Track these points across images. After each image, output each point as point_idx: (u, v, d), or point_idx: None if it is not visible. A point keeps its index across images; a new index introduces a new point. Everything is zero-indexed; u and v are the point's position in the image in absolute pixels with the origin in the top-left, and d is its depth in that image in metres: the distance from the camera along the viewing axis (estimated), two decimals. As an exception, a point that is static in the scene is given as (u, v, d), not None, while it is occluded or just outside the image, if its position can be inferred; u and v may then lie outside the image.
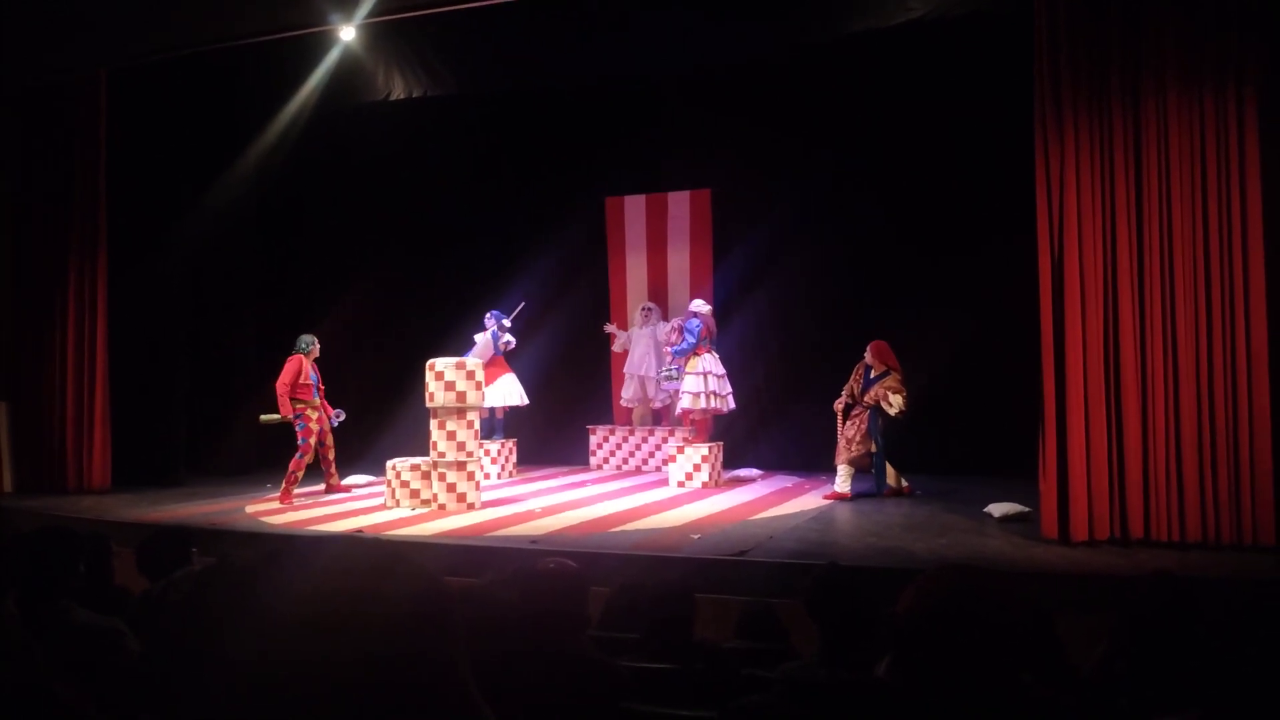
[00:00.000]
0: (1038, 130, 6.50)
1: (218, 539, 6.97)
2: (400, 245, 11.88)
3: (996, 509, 7.26)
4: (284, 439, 9.22)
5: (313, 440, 8.90)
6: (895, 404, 8.17)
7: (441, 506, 8.02)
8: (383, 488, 8.67)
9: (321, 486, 9.34)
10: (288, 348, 9.06)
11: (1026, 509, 7.04)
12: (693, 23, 8.54)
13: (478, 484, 8.23)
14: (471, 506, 8.06)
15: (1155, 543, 6.14)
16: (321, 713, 0.78)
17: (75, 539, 3.31)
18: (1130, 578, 5.00)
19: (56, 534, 3.27)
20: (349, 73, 9.61)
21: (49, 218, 9.85)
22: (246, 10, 8.73)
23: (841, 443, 8.51)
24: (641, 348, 11.02)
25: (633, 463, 10.97)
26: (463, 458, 8.09)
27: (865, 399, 8.41)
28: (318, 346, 9.17)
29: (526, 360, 10.94)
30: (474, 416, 8.30)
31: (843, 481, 8.41)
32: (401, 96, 9.60)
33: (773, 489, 9.11)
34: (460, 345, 10.30)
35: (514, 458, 10.74)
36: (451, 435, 8.09)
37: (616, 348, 11.31)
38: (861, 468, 8.51)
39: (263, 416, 9.05)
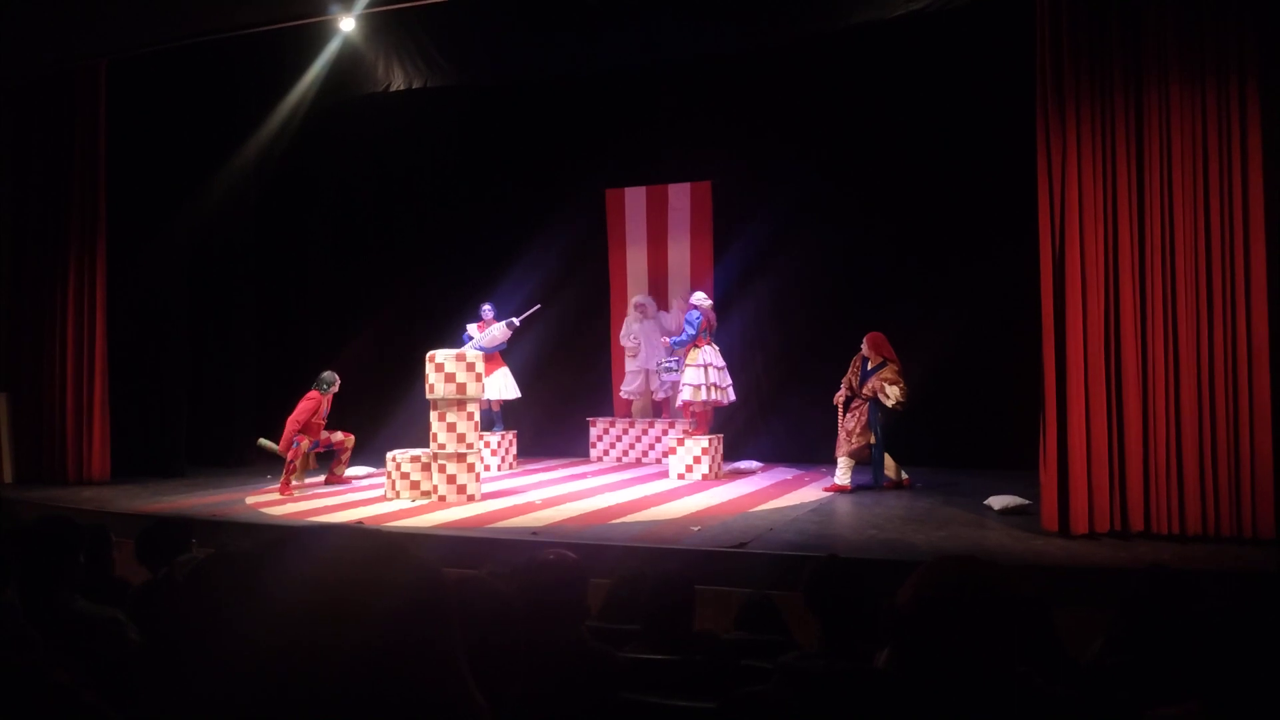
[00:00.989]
0: (1039, 122, 6.49)
1: (217, 530, 6.98)
2: (400, 236, 11.88)
3: (996, 501, 7.26)
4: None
5: (304, 446, 8.85)
6: (893, 395, 8.16)
7: (441, 498, 8.03)
8: (383, 479, 8.68)
9: (322, 478, 9.37)
10: (287, 339, 9.03)
11: (1026, 501, 7.04)
12: (694, 13, 8.53)
13: (478, 476, 8.24)
14: (471, 498, 8.08)
15: (1155, 535, 6.15)
16: (318, 702, 0.78)
17: (76, 529, 3.31)
18: (1130, 570, 5.00)
19: (57, 524, 3.27)
20: (349, 63, 9.61)
21: (49, 208, 9.84)
22: (246, 0, 8.72)
23: (842, 435, 8.50)
24: (649, 341, 10.98)
25: (633, 455, 10.98)
26: (463, 449, 8.10)
27: (864, 391, 8.40)
28: (339, 384, 9.10)
29: (527, 352, 10.93)
30: (474, 408, 8.31)
31: (843, 474, 8.40)
32: (402, 87, 9.58)
33: (773, 481, 9.11)
34: (461, 337, 10.25)
35: (514, 450, 10.75)
36: (451, 427, 8.10)
37: (629, 351, 11.19)
38: (862, 460, 8.51)
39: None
